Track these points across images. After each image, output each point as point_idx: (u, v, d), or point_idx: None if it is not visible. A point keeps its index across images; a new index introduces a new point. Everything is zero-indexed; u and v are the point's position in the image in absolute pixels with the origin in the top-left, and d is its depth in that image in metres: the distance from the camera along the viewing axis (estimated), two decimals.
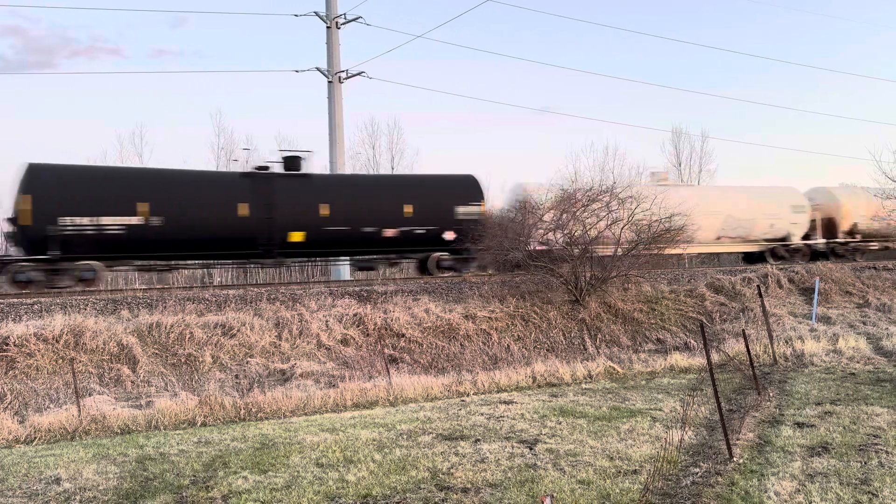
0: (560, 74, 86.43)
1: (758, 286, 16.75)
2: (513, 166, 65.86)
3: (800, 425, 8.70)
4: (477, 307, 16.05)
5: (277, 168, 19.60)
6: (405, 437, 8.64)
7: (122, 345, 12.58)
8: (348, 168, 30.50)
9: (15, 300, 14.12)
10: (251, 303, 14.99)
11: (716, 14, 75.53)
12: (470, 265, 20.24)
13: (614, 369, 13.50)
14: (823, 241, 26.10)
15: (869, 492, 6.28)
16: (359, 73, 26.42)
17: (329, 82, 26.05)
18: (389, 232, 19.49)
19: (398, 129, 47.51)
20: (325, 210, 18.95)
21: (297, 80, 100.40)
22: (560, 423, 9.12)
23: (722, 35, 73.54)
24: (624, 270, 17.24)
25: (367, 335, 14.33)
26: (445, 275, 19.61)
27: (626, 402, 10.45)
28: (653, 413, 9.64)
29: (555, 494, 6.30)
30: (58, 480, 7.24)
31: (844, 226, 26.46)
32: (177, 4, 55.48)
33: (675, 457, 7.28)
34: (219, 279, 26.96)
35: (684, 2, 75.28)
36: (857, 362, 13.35)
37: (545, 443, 8.16)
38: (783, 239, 25.01)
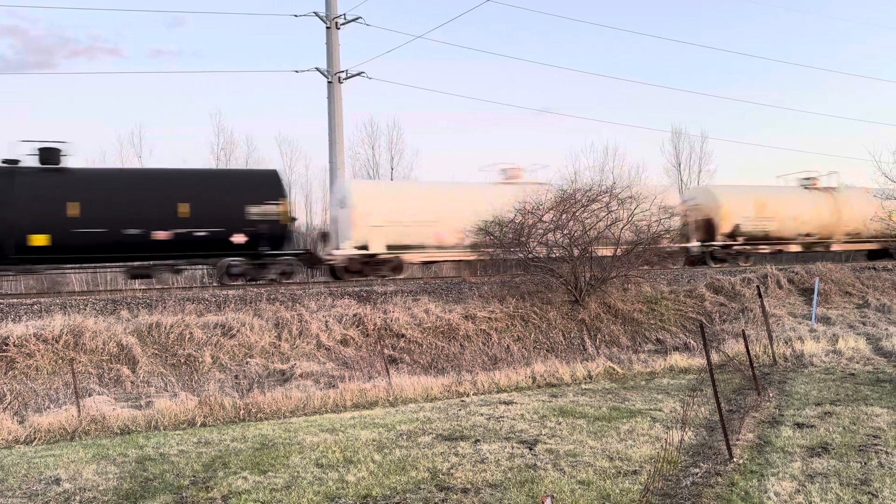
0: (560, 75, 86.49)
1: (757, 287, 16.75)
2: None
3: (800, 426, 8.71)
4: (477, 307, 16.05)
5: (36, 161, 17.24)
6: (405, 437, 8.63)
7: (121, 345, 12.57)
8: (348, 168, 30.51)
9: (15, 300, 14.12)
10: (251, 303, 14.99)
11: (716, 14, 75.58)
12: (269, 271, 18.38)
13: (614, 370, 13.51)
14: (698, 244, 24.08)
15: (869, 492, 6.29)
16: (358, 74, 26.42)
17: (329, 82, 26.04)
18: (161, 234, 17.16)
19: (398, 130, 47.42)
20: (73, 209, 16.53)
21: (296, 81, 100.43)
22: (560, 424, 9.12)
23: (722, 35, 73.61)
24: (624, 271, 17.24)
25: (367, 335, 14.33)
26: (236, 282, 17.81)
27: (626, 403, 10.45)
28: (653, 413, 9.64)
29: (555, 495, 6.30)
30: (57, 481, 7.24)
31: (724, 227, 24.45)
32: (176, 4, 55.50)
33: (675, 457, 7.28)
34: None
35: (684, 2, 75.34)
36: (857, 363, 13.36)
37: (545, 443, 8.16)
38: (650, 242, 23.24)
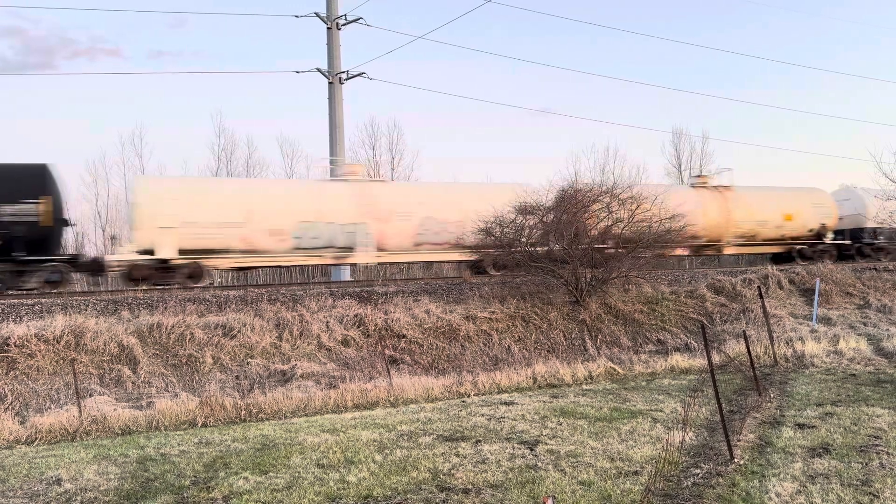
0: (560, 75, 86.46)
1: (758, 287, 16.74)
2: (513, 167, 65.91)
3: (801, 426, 8.70)
4: (477, 308, 16.05)
5: None
6: (406, 437, 8.64)
7: (122, 345, 12.58)
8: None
9: (16, 300, 14.13)
10: (252, 304, 14.99)
11: (716, 15, 75.57)
12: (29, 279, 16.51)
13: (615, 370, 13.51)
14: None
15: (870, 493, 6.28)
16: (359, 74, 26.43)
17: (329, 83, 26.06)
18: None
19: (398, 130, 47.52)
20: None
21: (297, 81, 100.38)
22: (561, 424, 9.12)
23: (723, 36, 73.59)
24: (625, 271, 17.24)
25: (368, 336, 14.33)
26: None
27: (627, 403, 10.45)
28: (653, 414, 9.64)
29: (556, 496, 6.30)
30: (59, 481, 7.24)
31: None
32: (177, 5, 55.55)
33: (676, 458, 7.28)
34: (219, 280, 26.94)
35: (685, 3, 75.33)
36: (858, 363, 13.35)
37: (546, 444, 8.16)
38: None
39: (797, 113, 75.69)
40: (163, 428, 10.01)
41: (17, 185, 16.53)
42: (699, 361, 13.87)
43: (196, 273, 17.91)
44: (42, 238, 16.57)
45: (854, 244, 26.58)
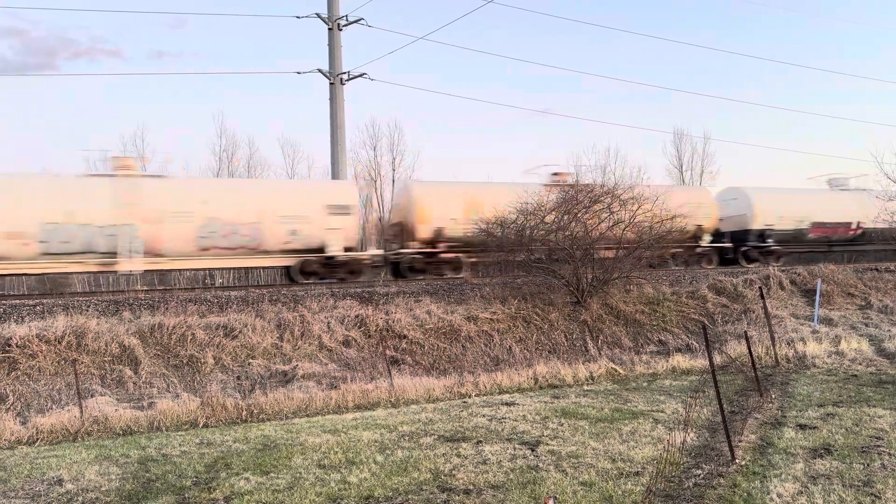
0: (560, 75, 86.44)
1: (759, 288, 16.74)
2: (514, 168, 65.90)
3: (802, 427, 8.69)
4: (478, 308, 16.04)
5: None
6: (407, 438, 8.64)
7: (124, 346, 12.59)
8: (349, 170, 30.52)
9: (17, 301, 14.14)
10: (253, 304, 15.00)
11: (716, 15, 75.55)
12: None
13: (616, 371, 13.50)
14: (381, 252, 20.54)
15: (871, 494, 6.28)
16: (360, 75, 26.44)
17: (331, 84, 26.06)
18: None
19: (399, 131, 47.50)
20: None
21: (298, 82, 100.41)
22: (562, 425, 9.12)
23: (723, 36, 73.54)
24: (626, 272, 17.23)
25: (369, 336, 14.33)
26: None
27: (628, 404, 10.44)
28: (655, 415, 9.64)
29: (557, 496, 6.30)
30: (60, 481, 7.25)
31: (422, 232, 19.97)
32: (177, 6, 55.58)
33: (677, 458, 7.27)
34: (220, 280, 26.93)
35: (685, 3, 75.31)
36: (860, 364, 13.34)
37: (547, 444, 8.16)
38: (318, 250, 18.89)
39: (797, 113, 75.66)
40: (164, 428, 10.01)
41: None
42: (700, 362, 13.86)
43: None
44: None
45: (738, 247, 24.82)
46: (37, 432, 9.72)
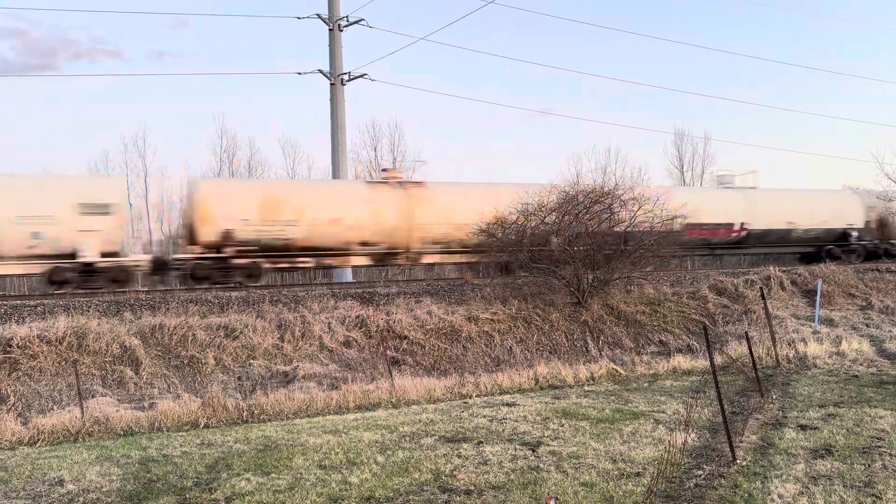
0: (560, 75, 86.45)
1: (760, 288, 16.74)
2: (514, 168, 65.90)
3: (803, 428, 8.69)
4: (479, 309, 16.03)
5: None
6: (408, 438, 8.64)
7: (124, 346, 12.58)
8: (350, 170, 30.52)
9: (18, 301, 14.14)
10: (254, 305, 15.00)
11: (716, 15, 75.55)
12: None
13: (617, 371, 13.50)
14: (148, 257, 18.32)
15: (873, 494, 6.27)
16: (361, 76, 26.46)
17: (331, 84, 26.08)
18: None
19: (399, 131, 47.49)
20: None
21: (299, 82, 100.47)
22: (563, 426, 9.12)
23: (724, 37, 73.55)
24: (626, 272, 17.23)
25: (370, 337, 14.33)
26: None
27: (629, 405, 10.44)
28: (656, 415, 9.64)
29: (558, 497, 6.30)
30: (61, 482, 7.25)
31: (205, 235, 17.42)
32: (178, 6, 55.60)
33: (678, 459, 7.27)
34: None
35: (685, 3, 75.31)
36: (860, 364, 13.34)
37: (548, 445, 8.16)
38: (71, 256, 16.65)
39: (798, 113, 75.64)
40: (165, 429, 10.01)
41: None
42: (701, 363, 13.86)
43: None
44: None
45: None
46: (38, 433, 9.72)
